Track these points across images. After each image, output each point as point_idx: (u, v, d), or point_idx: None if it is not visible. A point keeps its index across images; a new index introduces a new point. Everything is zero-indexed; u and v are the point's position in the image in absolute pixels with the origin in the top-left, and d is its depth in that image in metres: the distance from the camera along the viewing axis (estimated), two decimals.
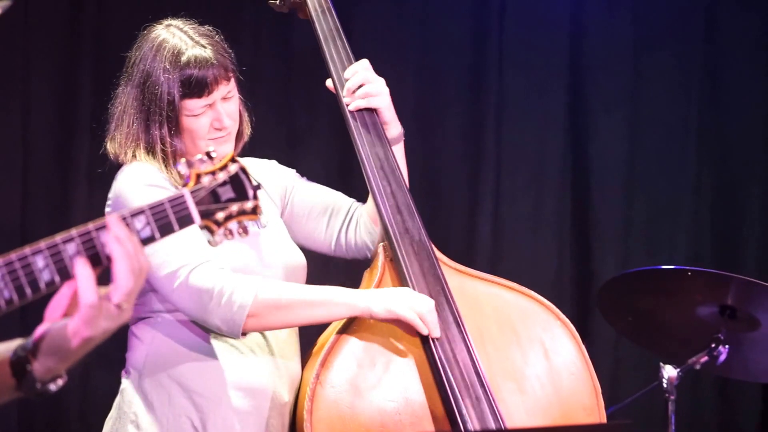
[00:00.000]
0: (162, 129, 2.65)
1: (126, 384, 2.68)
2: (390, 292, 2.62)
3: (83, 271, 1.73)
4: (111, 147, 2.73)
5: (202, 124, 2.67)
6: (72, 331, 1.76)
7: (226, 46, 2.74)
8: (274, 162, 2.93)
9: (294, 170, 2.93)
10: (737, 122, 4.83)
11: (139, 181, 2.61)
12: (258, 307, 2.53)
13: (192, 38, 2.68)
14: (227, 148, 2.70)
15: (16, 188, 4.08)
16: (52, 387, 1.85)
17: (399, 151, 2.84)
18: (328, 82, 2.84)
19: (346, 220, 2.86)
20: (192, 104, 2.65)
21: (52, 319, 1.81)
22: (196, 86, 2.64)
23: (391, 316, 2.58)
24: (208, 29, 2.74)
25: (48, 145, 4.15)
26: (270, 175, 2.88)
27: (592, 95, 4.76)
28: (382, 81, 2.82)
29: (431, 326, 2.59)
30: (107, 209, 2.65)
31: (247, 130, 2.81)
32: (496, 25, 4.67)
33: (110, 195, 2.67)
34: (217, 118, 2.68)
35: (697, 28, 4.81)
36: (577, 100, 4.75)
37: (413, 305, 2.58)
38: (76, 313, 1.75)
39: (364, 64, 2.82)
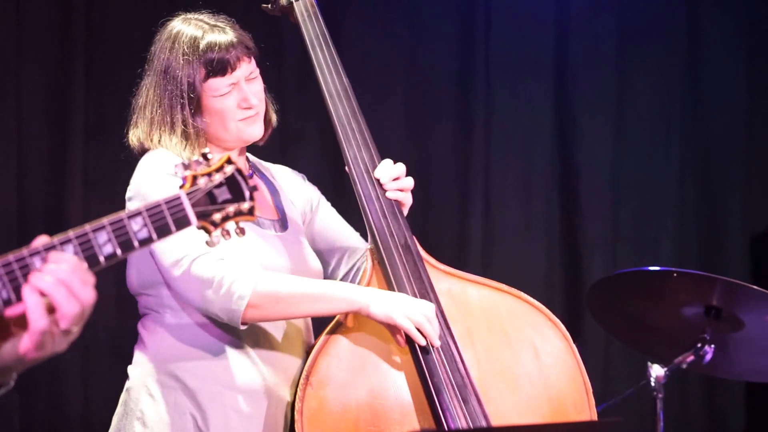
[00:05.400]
0: (184, 111, 2.66)
1: (133, 381, 2.69)
2: (392, 296, 2.61)
3: (32, 298, 1.72)
4: (134, 136, 2.73)
5: (229, 105, 2.69)
6: (22, 351, 1.76)
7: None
8: (303, 175, 2.97)
9: (317, 189, 2.95)
10: (720, 125, 4.88)
11: (159, 171, 2.61)
12: (257, 299, 2.53)
13: (208, 23, 2.72)
14: (257, 129, 2.74)
15: (11, 193, 4.08)
16: None
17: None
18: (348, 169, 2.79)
19: (354, 268, 2.88)
20: (216, 83, 2.68)
21: None
22: (218, 64, 2.67)
23: (388, 321, 2.57)
24: (224, 17, 2.77)
25: (42, 149, 4.14)
26: (298, 186, 2.92)
27: (577, 100, 4.80)
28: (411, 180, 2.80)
29: (431, 335, 2.58)
30: (128, 202, 2.66)
31: (274, 117, 2.83)
32: (483, 31, 4.71)
33: (130, 187, 2.67)
34: (244, 97, 2.70)
35: (679, 33, 4.86)
36: (563, 105, 4.80)
37: (413, 313, 2.57)
38: (27, 335, 1.74)
39: (402, 166, 2.81)
